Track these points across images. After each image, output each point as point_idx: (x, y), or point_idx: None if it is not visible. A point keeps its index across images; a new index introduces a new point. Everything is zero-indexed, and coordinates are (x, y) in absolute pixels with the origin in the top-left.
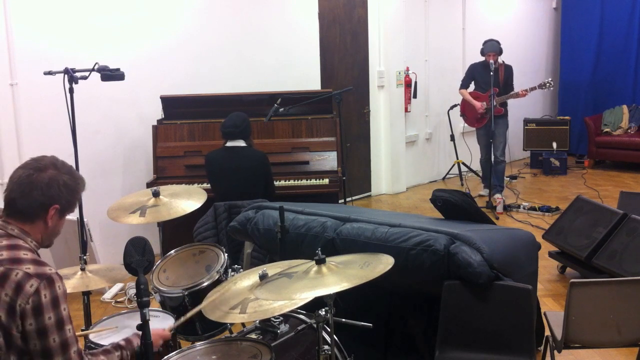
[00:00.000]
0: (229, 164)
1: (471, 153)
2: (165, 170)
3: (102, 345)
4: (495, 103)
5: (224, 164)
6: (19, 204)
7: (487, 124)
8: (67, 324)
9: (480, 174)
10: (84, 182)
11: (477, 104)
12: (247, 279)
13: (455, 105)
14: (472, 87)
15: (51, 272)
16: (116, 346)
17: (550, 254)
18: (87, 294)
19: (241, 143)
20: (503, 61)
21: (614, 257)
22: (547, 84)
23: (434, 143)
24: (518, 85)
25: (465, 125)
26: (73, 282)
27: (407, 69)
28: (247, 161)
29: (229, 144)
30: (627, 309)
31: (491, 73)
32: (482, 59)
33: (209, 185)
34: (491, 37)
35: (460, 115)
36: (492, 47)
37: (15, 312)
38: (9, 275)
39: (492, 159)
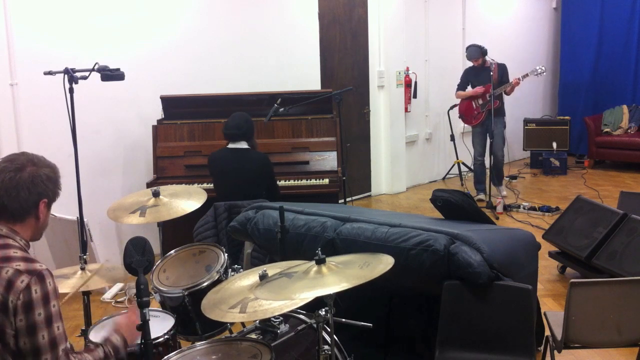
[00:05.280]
0: (231, 165)
1: (471, 153)
2: (165, 170)
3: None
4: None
5: (226, 165)
6: (10, 207)
7: (484, 121)
8: (56, 321)
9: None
10: (58, 169)
11: (477, 89)
12: (247, 279)
13: (455, 106)
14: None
15: (42, 268)
16: (97, 344)
17: (550, 254)
18: (87, 293)
19: (244, 145)
20: (493, 59)
21: (614, 257)
22: (539, 70)
23: (434, 143)
24: (519, 86)
25: (465, 125)
26: (73, 281)
27: (407, 69)
28: (249, 164)
29: (232, 145)
30: (627, 309)
31: (491, 73)
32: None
33: (209, 185)
34: (475, 43)
35: (459, 117)
36: (472, 54)
37: (8, 310)
38: (0, 273)
39: (491, 158)
